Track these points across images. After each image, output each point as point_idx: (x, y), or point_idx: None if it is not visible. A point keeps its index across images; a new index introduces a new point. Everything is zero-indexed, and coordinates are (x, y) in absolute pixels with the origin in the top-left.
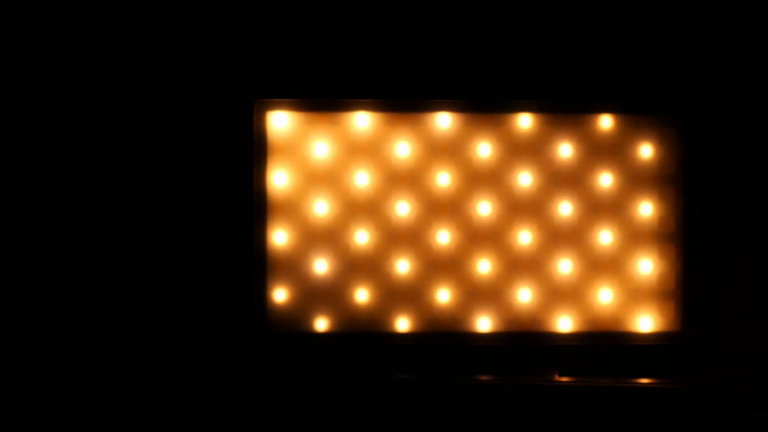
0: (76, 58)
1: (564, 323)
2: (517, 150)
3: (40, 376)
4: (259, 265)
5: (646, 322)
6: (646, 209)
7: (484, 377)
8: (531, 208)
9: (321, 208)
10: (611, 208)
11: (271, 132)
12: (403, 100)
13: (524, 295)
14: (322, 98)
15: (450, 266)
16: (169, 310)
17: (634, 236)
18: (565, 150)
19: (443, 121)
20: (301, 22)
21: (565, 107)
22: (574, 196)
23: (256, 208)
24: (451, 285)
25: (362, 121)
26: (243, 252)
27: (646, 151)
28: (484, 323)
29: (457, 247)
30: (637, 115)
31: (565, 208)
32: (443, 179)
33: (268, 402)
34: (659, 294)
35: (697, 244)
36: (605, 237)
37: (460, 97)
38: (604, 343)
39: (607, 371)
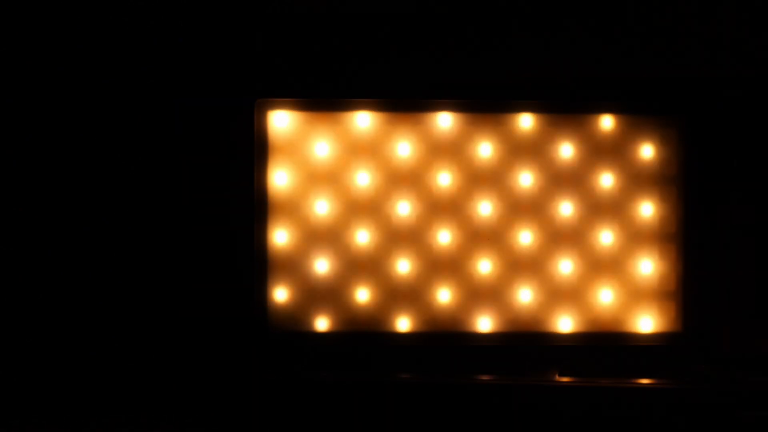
0: (77, 57)
1: (564, 323)
2: (518, 150)
3: (40, 376)
4: (259, 265)
5: (646, 322)
6: (646, 209)
7: (484, 377)
8: (532, 208)
9: (321, 207)
10: (612, 209)
11: (272, 132)
12: (403, 100)
13: (525, 295)
14: (323, 98)
15: (450, 266)
16: (170, 309)
17: (634, 236)
18: (566, 150)
19: (444, 121)
20: (301, 23)
21: (566, 107)
22: (574, 196)
23: (257, 208)
24: (451, 285)
25: (363, 120)
26: (243, 252)
27: (647, 151)
28: (484, 323)
29: (457, 247)
30: (638, 115)
31: (565, 208)
32: (444, 179)
33: (268, 402)
34: (660, 294)
35: (698, 244)
36: (606, 237)
37: (460, 97)
38: (605, 344)
39: (607, 371)
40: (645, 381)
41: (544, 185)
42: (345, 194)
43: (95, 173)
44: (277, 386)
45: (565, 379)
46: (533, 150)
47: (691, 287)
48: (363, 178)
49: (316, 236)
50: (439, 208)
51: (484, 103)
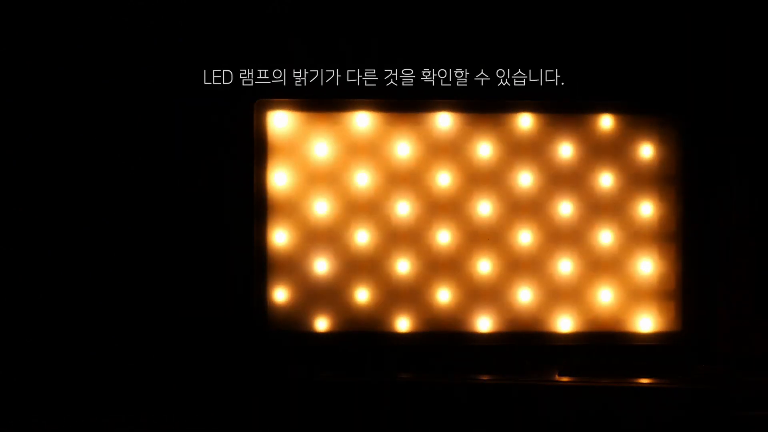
0: (77, 57)
1: (564, 323)
2: (518, 150)
3: (40, 376)
4: (259, 265)
5: (646, 322)
6: (646, 209)
7: (484, 377)
8: (531, 208)
9: (321, 208)
10: (612, 208)
11: (271, 132)
12: (403, 100)
13: (524, 295)
14: (323, 98)
15: (450, 266)
16: (169, 310)
17: (634, 236)
18: (565, 150)
19: (443, 121)
20: (301, 22)
21: (565, 107)
22: (574, 196)
23: (256, 208)
24: (451, 285)
25: (362, 121)
26: (243, 252)
27: (646, 151)
28: (484, 323)
29: (457, 247)
30: (638, 115)
31: (565, 208)
32: (443, 179)
33: (268, 402)
34: (659, 294)
35: (697, 244)
36: (605, 237)
37: (460, 97)
38: (604, 343)
39: (607, 371)
40: (645, 381)
41: (543, 185)
42: (344, 194)
43: (95, 173)
44: (277, 386)
45: (565, 379)
46: (533, 150)
47: (691, 287)
48: (362, 178)
49: (316, 236)
50: (438, 208)
51: (484, 103)
